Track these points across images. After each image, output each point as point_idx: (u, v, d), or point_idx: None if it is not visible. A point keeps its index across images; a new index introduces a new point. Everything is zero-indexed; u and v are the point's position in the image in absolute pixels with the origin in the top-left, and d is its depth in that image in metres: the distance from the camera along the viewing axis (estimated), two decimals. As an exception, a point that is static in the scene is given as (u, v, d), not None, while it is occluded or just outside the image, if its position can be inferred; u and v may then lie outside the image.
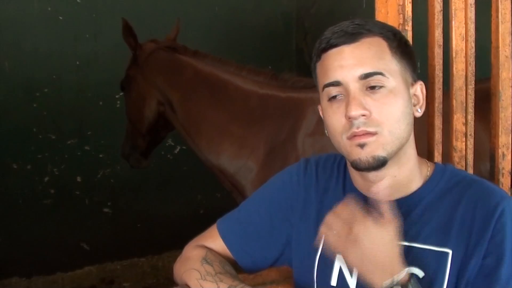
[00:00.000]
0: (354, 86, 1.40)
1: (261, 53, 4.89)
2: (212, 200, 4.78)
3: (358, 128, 1.39)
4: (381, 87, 1.40)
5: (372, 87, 1.40)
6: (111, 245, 4.64)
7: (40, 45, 4.29)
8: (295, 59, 5.07)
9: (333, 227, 1.37)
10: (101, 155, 4.55)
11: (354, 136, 1.40)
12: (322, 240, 1.55)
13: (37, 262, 4.38)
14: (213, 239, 1.69)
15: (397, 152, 1.44)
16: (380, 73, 1.40)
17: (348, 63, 1.41)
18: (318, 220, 1.56)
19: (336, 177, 1.62)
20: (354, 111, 1.37)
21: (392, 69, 1.42)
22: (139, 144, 3.54)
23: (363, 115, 1.38)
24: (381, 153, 1.40)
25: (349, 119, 1.39)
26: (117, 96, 4.40)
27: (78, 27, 4.38)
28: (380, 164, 1.41)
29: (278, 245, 1.65)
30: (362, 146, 1.40)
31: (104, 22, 4.38)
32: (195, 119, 3.17)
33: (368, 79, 1.39)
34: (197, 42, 4.45)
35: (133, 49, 3.38)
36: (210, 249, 1.66)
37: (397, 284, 1.32)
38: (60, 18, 4.33)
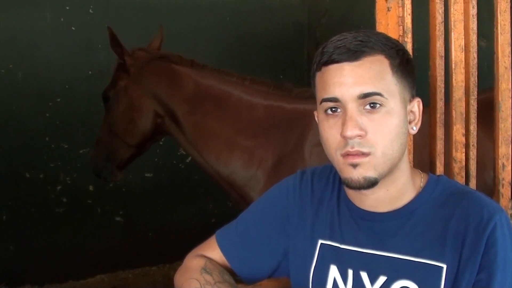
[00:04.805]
0: (352, 105, 1.40)
1: (273, 63, 4.91)
2: (223, 209, 4.80)
3: (352, 147, 1.39)
4: (379, 107, 1.40)
5: (370, 107, 1.40)
6: (123, 253, 4.66)
7: (52, 55, 4.33)
8: (306, 68, 5.07)
9: None
10: (113, 164, 4.56)
11: (347, 155, 1.41)
12: (317, 250, 1.57)
13: (49, 270, 4.41)
14: (212, 249, 1.71)
15: (389, 171, 1.45)
16: (379, 94, 1.39)
17: (347, 81, 1.40)
18: (313, 230, 1.58)
19: (331, 189, 1.63)
20: (350, 132, 1.38)
21: (391, 89, 1.42)
22: (121, 156, 3.39)
23: (359, 136, 1.39)
24: (372, 174, 1.41)
25: (344, 138, 1.40)
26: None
27: (91, 37, 4.42)
28: (370, 184, 1.42)
29: (276, 256, 1.66)
30: (354, 166, 1.41)
31: (116, 32, 4.40)
32: (202, 132, 3.11)
33: (366, 99, 1.39)
34: (208, 51, 4.50)
35: (122, 58, 3.26)
36: (209, 259, 1.68)
37: None
38: (73, 28, 4.38)
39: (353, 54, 1.41)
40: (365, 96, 1.39)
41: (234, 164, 3.04)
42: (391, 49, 1.45)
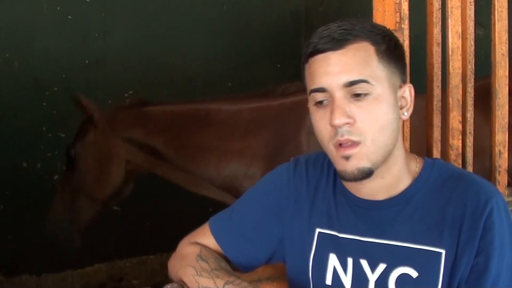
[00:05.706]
0: (339, 93, 1.40)
1: (270, 52, 4.88)
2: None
3: (342, 136, 1.39)
4: (366, 94, 1.39)
5: (357, 95, 1.40)
6: (121, 242, 4.65)
7: (49, 44, 4.31)
8: (303, 58, 5.04)
9: None
10: (110, 154, 4.55)
11: (339, 144, 1.41)
12: (315, 238, 1.57)
13: (47, 259, 4.40)
14: (206, 237, 1.70)
15: (383, 160, 1.44)
16: (365, 81, 1.39)
17: (333, 70, 1.41)
18: (310, 219, 1.58)
19: (326, 177, 1.62)
20: (338, 120, 1.38)
21: (378, 75, 1.41)
22: (84, 217, 3.49)
23: (347, 123, 1.39)
24: (366, 164, 1.41)
25: (333, 127, 1.40)
26: (126, 95, 4.41)
27: (87, 27, 4.40)
28: (365, 175, 1.42)
29: (270, 244, 1.66)
30: (347, 158, 1.41)
31: (113, 21, 4.40)
32: (187, 152, 3.12)
33: (353, 86, 1.39)
34: (205, 41, 4.48)
35: (90, 114, 3.27)
36: (204, 246, 1.68)
37: None
38: (69, 17, 4.35)
39: (337, 43, 1.41)
40: (351, 84, 1.39)
41: (226, 168, 3.04)
42: (377, 35, 1.45)
